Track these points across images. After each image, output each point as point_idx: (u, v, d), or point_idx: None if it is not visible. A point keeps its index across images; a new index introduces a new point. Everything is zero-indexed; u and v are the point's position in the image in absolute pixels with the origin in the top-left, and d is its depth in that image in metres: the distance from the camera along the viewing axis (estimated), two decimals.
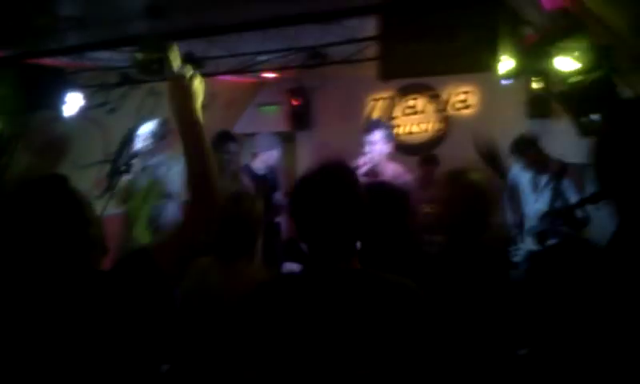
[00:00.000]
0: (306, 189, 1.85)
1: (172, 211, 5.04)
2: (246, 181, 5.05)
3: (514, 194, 5.48)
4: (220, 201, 1.97)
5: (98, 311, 1.65)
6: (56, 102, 4.91)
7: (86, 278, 1.68)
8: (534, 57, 3.45)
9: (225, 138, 4.89)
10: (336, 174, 1.84)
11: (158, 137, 4.81)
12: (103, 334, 1.64)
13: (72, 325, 1.62)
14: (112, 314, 1.66)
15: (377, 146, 4.54)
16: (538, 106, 5.74)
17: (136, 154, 4.81)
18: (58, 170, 5.66)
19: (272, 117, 7.60)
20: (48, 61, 4.96)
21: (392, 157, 5.11)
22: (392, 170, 4.61)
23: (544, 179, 5.09)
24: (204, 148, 1.91)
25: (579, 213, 4.50)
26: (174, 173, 4.97)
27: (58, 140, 5.51)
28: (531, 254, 4.89)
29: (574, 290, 1.94)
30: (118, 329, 1.65)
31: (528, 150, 5.07)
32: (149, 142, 4.82)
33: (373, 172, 4.55)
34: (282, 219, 6.28)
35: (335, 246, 1.80)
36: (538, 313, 2.28)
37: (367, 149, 4.53)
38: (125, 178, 4.95)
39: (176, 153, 5.07)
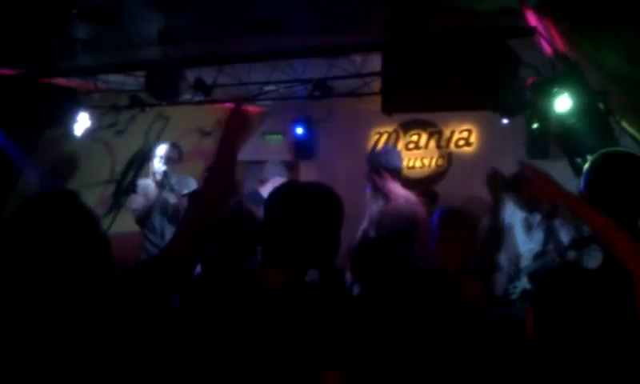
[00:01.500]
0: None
1: None
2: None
3: (508, 233, 5.56)
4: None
5: (107, 323, 1.70)
6: (66, 121, 5.04)
7: (96, 291, 1.74)
8: (533, 98, 3.55)
9: None
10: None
11: (173, 159, 5.05)
12: (110, 347, 1.68)
13: (80, 336, 1.66)
14: (119, 325, 1.71)
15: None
16: (537, 147, 5.83)
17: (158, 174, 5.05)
18: (64, 187, 5.77)
19: (276, 145, 7.71)
20: (61, 81, 5.09)
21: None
22: (403, 195, 4.58)
23: (537, 218, 5.17)
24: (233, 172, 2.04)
25: (571, 254, 4.56)
26: (191, 188, 5.16)
27: (66, 159, 5.63)
28: (525, 292, 4.95)
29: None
30: (124, 339, 1.71)
31: (520, 186, 5.15)
32: (164, 162, 5.06)
33: (383, 195, 4.57)
34: None
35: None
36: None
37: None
38: (134, 197, 5.13)
39: (185, 174, 5.28)
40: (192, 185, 5.13)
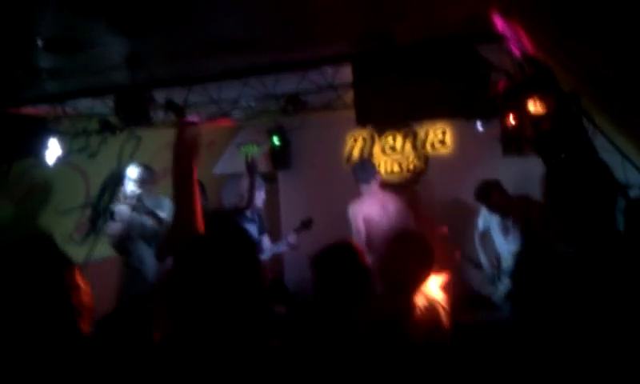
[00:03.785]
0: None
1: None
2: None
3: (485, 236, 5.60)
4: None
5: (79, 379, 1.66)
6: (37, 150, 4.93)
7: (70, 345, 1.69)
8: (505, 102, 3.57)
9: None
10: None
11: (145, 180, 5.00)
12: None
13: None
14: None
15: None
16: (513, 143, 5.85)
17: (133, 197, 4.98)
18: (39, 217, 5.67)
19: (248, 155, 7.65)
20: (29, 109, 4.99)
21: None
22: None
23: (511, 220, 5.23)
24: (196, 198, 1.97)
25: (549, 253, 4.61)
26: (167, 209, 5.12)
27: (39, 188, 5.53)
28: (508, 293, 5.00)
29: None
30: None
31: (490, 194, 5.23)
32: (137, 186, 4.94)
33: None
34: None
35: None
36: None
37: None
38: (110, 224, 5.05)
39: (161, 194, 5.25)
40: (167, 206, 5.07)
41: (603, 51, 2.86)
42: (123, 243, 4.95)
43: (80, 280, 1.83)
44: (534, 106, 3.34)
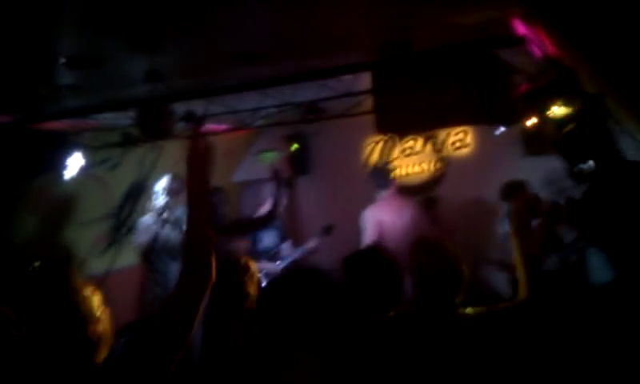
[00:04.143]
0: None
1: None
2: None
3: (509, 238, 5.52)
4: (214, 267, 1.92)
5: None
6: (59, 165, 4.98)
7: (82, 376, 1.69)
8: (527, 106, 3.52)
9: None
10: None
11: (173, 192, 4.96)
12: None
13: None
14: None
15: None
16: (534, 144, 5.80)
17: (160, 209, 4.98)
18: (62, 229, 5.72)
19: (272, 163, 7.65)
20: (51, 124, 5.04)
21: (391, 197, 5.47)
22: None
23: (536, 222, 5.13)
24: (207, 212, 1.94)
25: (573, 256, 4.54)
26: None
27: (63, 201, 5.59)
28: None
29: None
30: None
31: (516, 194, 5.14)
32: (165, 197, 4.94)
33: None
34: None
35: None
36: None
37: None
38: (138, 234, 5.05)
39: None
40: None
41: (623, 55, 2.81)
42: (149, 254, 4.94)
43: (98, 309, 1.79)
44: (557, 109, 3.30)
